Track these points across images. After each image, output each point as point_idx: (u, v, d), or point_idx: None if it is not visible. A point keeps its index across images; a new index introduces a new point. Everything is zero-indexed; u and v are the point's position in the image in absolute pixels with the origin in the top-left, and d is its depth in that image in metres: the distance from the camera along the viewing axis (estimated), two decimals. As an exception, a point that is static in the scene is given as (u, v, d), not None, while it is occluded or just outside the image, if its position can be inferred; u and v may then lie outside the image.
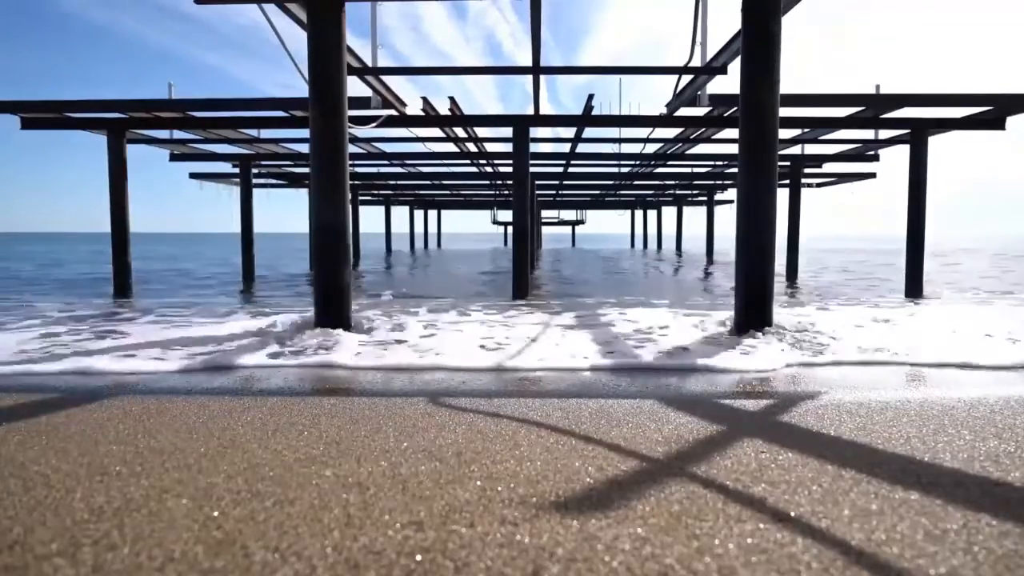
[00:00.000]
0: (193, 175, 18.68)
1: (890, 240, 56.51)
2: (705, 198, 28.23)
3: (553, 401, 3.75)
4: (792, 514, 2.10)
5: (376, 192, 27.04)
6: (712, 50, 7.86)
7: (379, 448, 2.83)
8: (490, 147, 14.31)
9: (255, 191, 16.43)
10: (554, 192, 26.44)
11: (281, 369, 4.80)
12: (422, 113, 10.47)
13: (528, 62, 8.31)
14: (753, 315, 6.06)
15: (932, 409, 3.49)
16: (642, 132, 12.20)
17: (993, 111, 10.17)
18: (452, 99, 9.90)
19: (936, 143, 11.96)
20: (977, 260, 23.78)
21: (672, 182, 21.66)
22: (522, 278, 10.90)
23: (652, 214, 43.30)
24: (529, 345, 5.77)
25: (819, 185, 21.05)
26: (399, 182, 21.76)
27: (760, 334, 5.78)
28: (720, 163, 16.32)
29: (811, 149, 14.88)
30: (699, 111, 9.95)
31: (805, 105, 9.40)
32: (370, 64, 8.07)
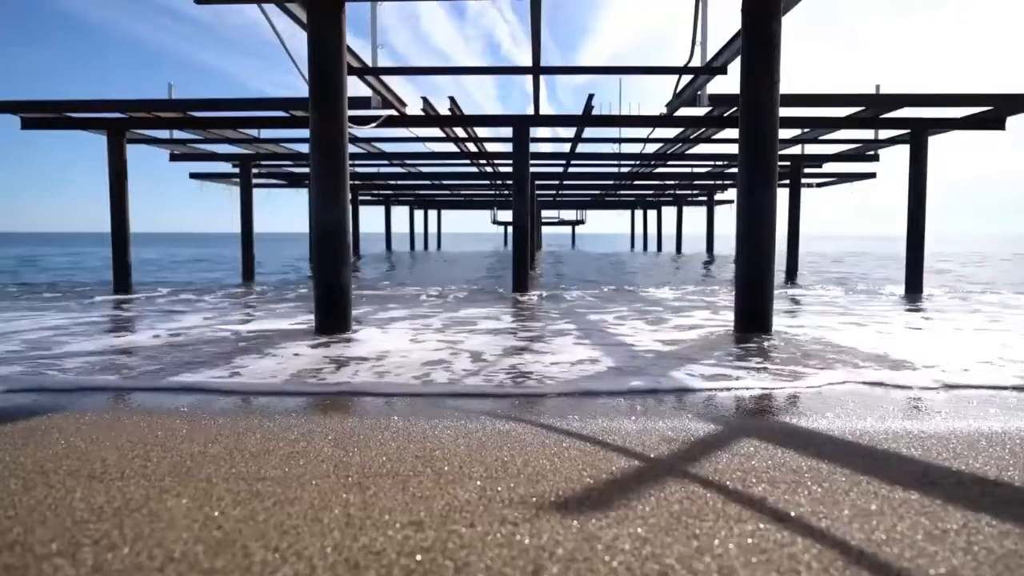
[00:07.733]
0: (193, 175, 18.68)
1: (891, 239, 56.41)
2: (705, 198, 28.25)
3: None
4: (792, 514, 2.10)
5: (376, 192, 27.04)
6: (712, 50, 7.87)
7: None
8: (490, 147, 14.32)
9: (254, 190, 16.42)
10: (554, 192, 26.45)
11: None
12: (422, 113, 10.48)
13: (528, 62, 8.32)
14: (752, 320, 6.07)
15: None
16: (642, 132, 12.20)
17: (993, 111, 10.17)
18: (452, 99, 9.91)
19: (936, 143, 11.98)
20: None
21: (672, 182, 21.67)
22: (522, 274, 11.15)
23: (652, 214, 43.33)
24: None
25: (819, 185, 21.05)
26: (399, 182, 21.77)
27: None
28: (720, 163, 16.32)
29: (811, 149, 14.87)
30: (699, 111, 9.96)
31: (805, 105, 9.40)
32: (370, 64, 8.08)
